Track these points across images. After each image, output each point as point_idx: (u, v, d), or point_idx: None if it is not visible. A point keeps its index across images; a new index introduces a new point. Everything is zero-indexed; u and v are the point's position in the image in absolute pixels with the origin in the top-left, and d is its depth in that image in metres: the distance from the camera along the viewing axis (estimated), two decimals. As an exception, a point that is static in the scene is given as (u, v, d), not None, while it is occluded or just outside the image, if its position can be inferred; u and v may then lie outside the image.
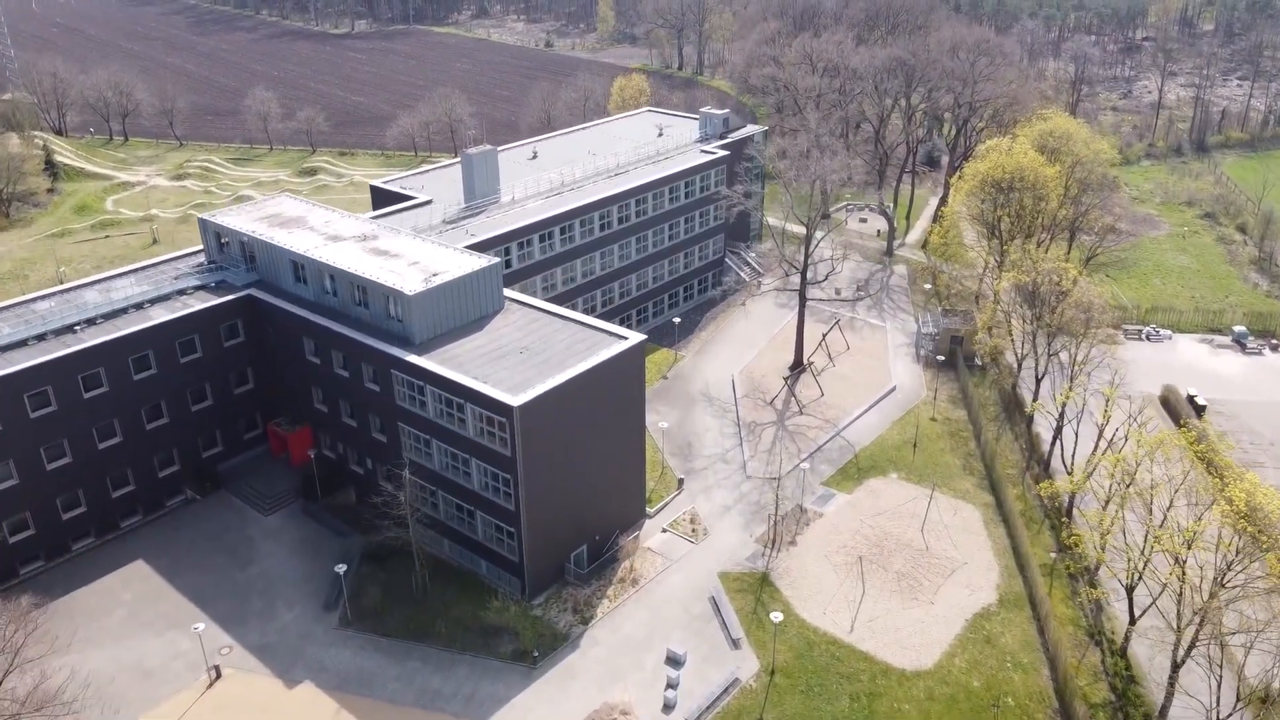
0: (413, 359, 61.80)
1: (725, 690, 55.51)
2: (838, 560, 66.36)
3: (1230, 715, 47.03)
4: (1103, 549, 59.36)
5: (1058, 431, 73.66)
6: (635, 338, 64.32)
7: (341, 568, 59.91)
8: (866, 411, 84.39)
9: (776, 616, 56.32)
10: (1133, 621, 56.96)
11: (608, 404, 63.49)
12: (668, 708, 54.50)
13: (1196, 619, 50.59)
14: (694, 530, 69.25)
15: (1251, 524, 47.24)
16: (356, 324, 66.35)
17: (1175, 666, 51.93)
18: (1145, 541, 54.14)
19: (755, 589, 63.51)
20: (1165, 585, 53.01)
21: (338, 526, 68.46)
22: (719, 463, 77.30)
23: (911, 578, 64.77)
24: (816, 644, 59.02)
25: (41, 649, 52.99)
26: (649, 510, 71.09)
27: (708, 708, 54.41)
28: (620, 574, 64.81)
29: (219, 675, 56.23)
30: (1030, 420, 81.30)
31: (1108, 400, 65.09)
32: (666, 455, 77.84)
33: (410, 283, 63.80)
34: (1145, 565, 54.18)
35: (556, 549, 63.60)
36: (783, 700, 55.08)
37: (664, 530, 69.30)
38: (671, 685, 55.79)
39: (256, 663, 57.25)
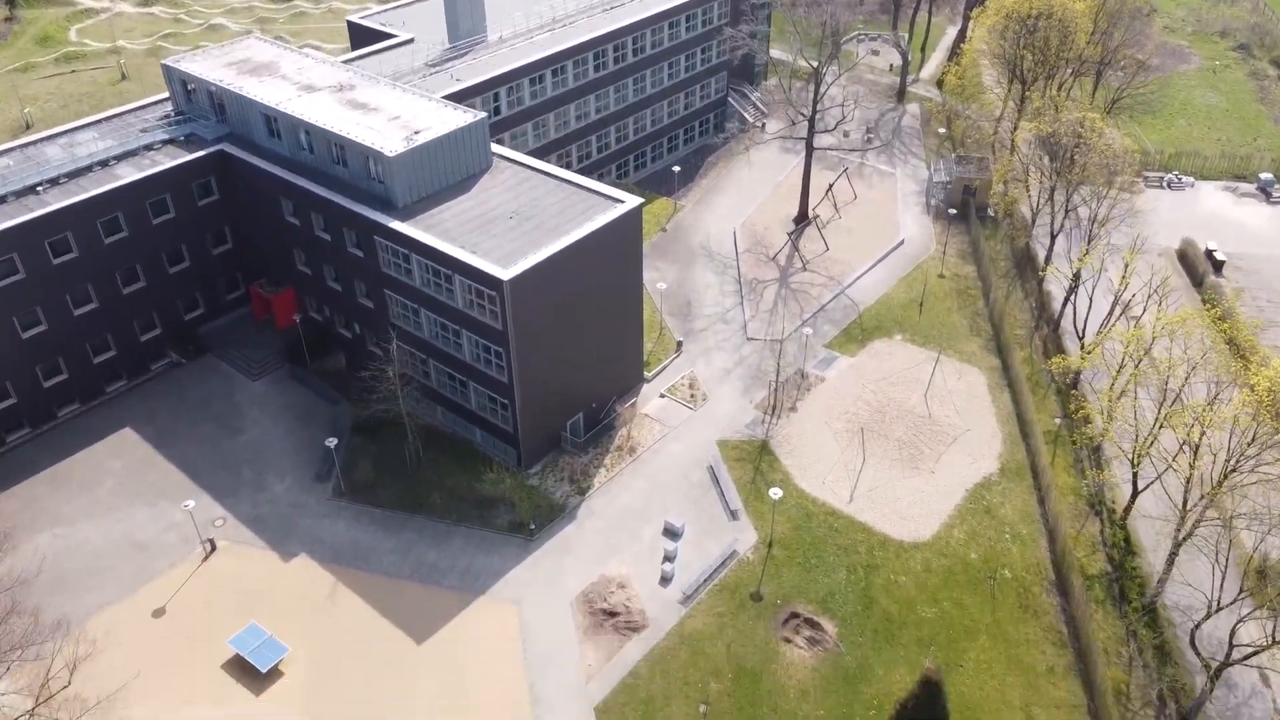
0: (397, 225, 58.41)
1: (723, 563, 55.30)
2: (838, 427, 65.14)
3: (1232, 602, 46.59)
4: (1109, 419, 57.94)
5: (1071, 292, 70.99)
6: (631, 201, 60.65)
7: (332, 441, 58.59)
8: (873, 267, 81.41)
9: (776, 493, 55.44)
10: (1134, 496, 56.17)
11: (603, 271, 60.57)
12: (665, 581, 54.39)
13: (1203, 503, 49.64)
14: (692, 396, 67.75)
15: (1273, 414, 45.34)
16: (336, 184, 62.47)
17: (1176, 545, 51.37)
18: (1155, 421, 52.54)
19: (754, 458, 62.55)
20: (1170, 465, 51.81)
21: (327, 393, 66.89)
22: (719, 323, 75.02)
23: (913, 446, 63.72)
24: (815, 515, 58.50)
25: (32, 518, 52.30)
26: (647, 375, 69.37)
27: (704, 581, 54.28)
28: (618, 442, 63.72)
29: (213, 549, 55.89)
30: (1042, 279, 78.43)
31: (1126, 267, 62.08)
32: (665, 315, 75.46)
33: (391, 142, 59.56)
34: (1152, 444, 52.80)
35: (552, 418, 62.22)
36: (780, 573, 54.94)
37: (662, 396, 67.81)
38: (669, 558, 55.55)
39: (250, 535, 56.83)
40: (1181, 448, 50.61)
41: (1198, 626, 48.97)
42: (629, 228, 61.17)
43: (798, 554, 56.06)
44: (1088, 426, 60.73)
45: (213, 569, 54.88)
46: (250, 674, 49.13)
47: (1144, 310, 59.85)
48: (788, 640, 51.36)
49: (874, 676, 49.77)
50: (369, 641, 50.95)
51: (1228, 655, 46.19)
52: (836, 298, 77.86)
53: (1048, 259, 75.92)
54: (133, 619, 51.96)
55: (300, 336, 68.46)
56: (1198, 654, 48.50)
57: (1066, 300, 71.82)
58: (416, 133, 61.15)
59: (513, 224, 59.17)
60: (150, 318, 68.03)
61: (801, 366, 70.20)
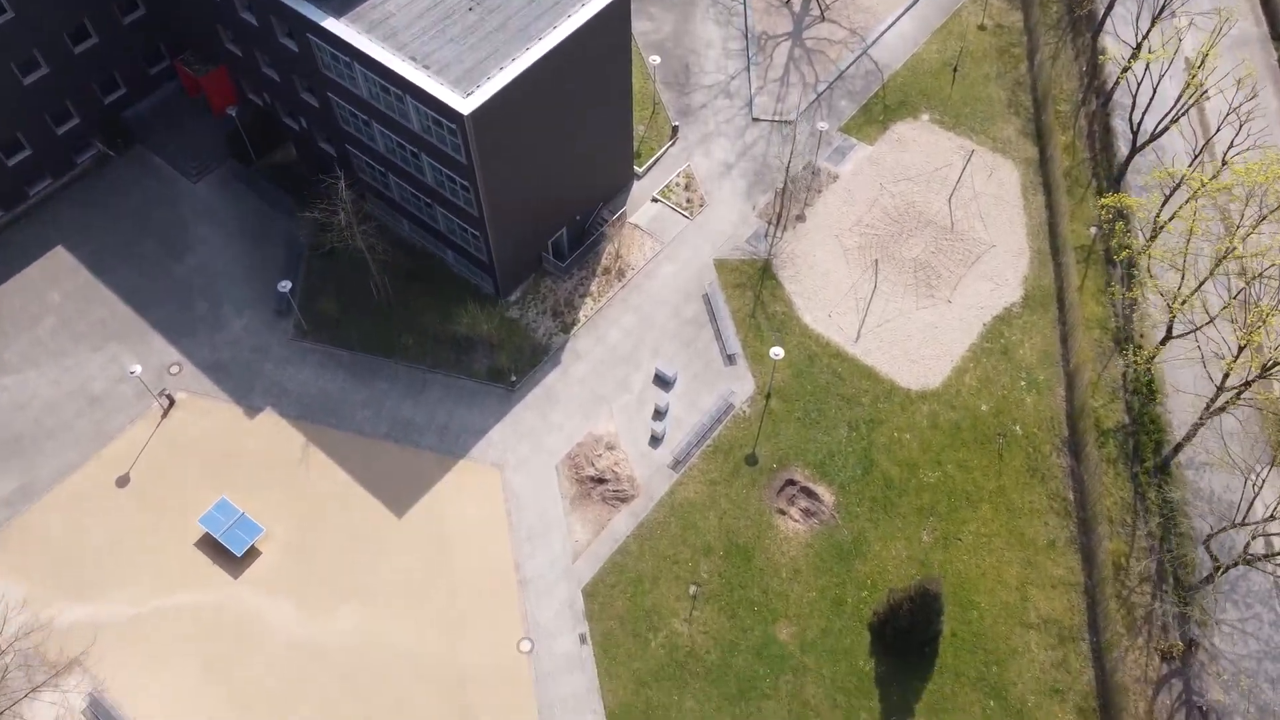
0: (331, 26, 48.08)
1: (717, 420, 51.96)
2: (850, 242, 58.74)
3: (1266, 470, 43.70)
4: (1153, 237, 51.50)
5: (1125, 71, 61.09)
6: (618, -15, 49.55)
7: (285, 285, 52.71)
8: (902, 15, 69.69)
9: (776, 353, 50.60)
10: (1166, 339, 51.18)
11: (585, 75, 51.01)
12: (655, 441, 51.39)
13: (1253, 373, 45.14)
14: (689, 200, 60.44)
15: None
16: (254, -43, 50.76)
17: (1208, 408, 47.56)
18: (1223, 252, 46.44)
19: (755, 283, 56.92)
20: (1227, 306, 46.71)
21: (279, 200, 59.45)
22: (720, 97, 65.38)
23: (930, 268, 57.80)
24: (818, 357, 54.21)
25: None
26: (638, 170, 61.47)
27: (697, 442, 51.28)
28: (605, 262, 57.68)
29: (172, 403, 52.20)
30: (1097, 31, 67.39)
31: (1204, 57, 52.11)
32: (660, 87, 65.59)
33: (312, -82, 47.37)
34: (1203, 282, 47.22)
35: (531, 241, 55.74)
36: (778, 430, 51.81)
37: (655, 200, 60.50)
38: (659, 413, 52.13)
39: (210, 385, 52.89)
40: (1232, 300, 45.35)
41: (1212, 537, 46.96)
42: (615, 18, 50.64)
43: (797, 407, 52.54)
44: (1127, 238, 54.09)
45: (174, 427, 51.59)
46: (226, 553, 47.59)
47: (1218, 128, 51.32)
48: (782, 512, 49.41)
49: (869, 552, 48.41)
50: (347, 516, 48.98)
51: (1240, 557, 44.44)
52: (858, 60, 67.31)
53: (1106, 13, 64.65)
54: (96, 489, 49.56)
55: (242, 127, 59.59)
56: (1212, 557, 46.79)
57: (1124, 72, 61.81)
58: (347, -106, 48.53)
59: (474, 19, 48.74)
60: (63, 107, 58.79)
61: (813, 159, 62.05)
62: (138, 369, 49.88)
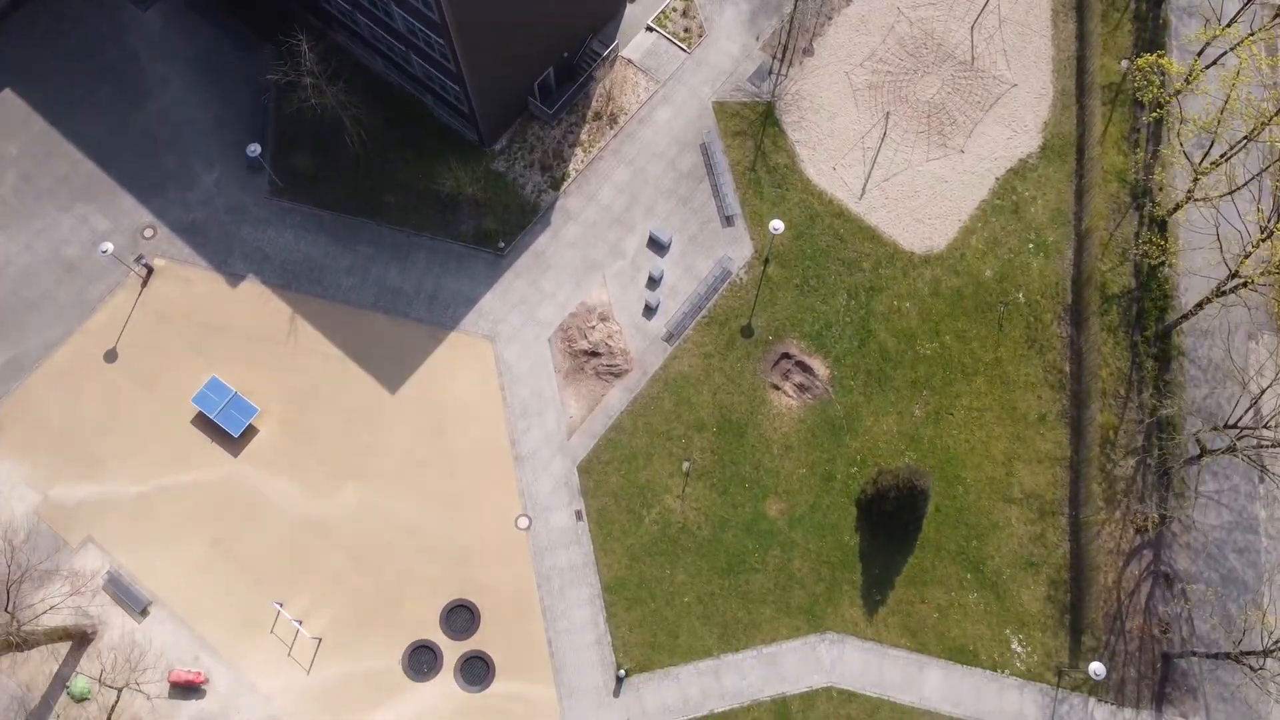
0: None
1: (713, 289, 50.62)
2: (860, 80, 54.48)
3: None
4: (1189, 83, 47.59)
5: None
6: None
7: (255, 149, 49.45)
8: None
9: (776, 227, 48.15)
10: (1198, 176, 47.37)
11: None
12: (649, 311, 50.35)
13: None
14: (687, 30, 55.36)
15: None
16: None
17: (1218, 290, 46.30)
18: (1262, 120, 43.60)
19: (757, 130, 53.43)
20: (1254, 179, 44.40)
21: (238, 33, 54.42)
22: (725, -103, 58.07)
23: (945, 111, 54.00)
24: (820, 216, 51.95)
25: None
26: (631, -8, 55.86)
27: (692, 313, 50.24)
28: (595, 106, 53.78)
29: (150, 271, 50.59)
30: None
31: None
32: (655, -118, 58.09)
33: None
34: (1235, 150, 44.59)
35: (515, 85, 51.65)
36: (775, 298, 50.64)
37: (649, 29, 55.41)
38: (654, 280, 50.70)
39: (188, 250, 51.01)
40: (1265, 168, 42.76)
41: (1200, 433, 47.09)
42: None
43: (796, 272, 51.01)
44: (1161, 93, 50.20)
45: (155, 297, 50.30)
46: (224, 431, 48.00)
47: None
48: (776, 387, 49.33)
49: (861, 427, 48.87)
50: (341, 392, 48.90)
51: (1232, 441, 44.91)
52: None
53: None
54: (85, 364, 49.12)
55: (188, -55, 53.55)
56: (1199, 445, 47.15)
57: None
58: None
59: None
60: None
61: (825, -24, 56.16)
62: (109, 247, 47.75)
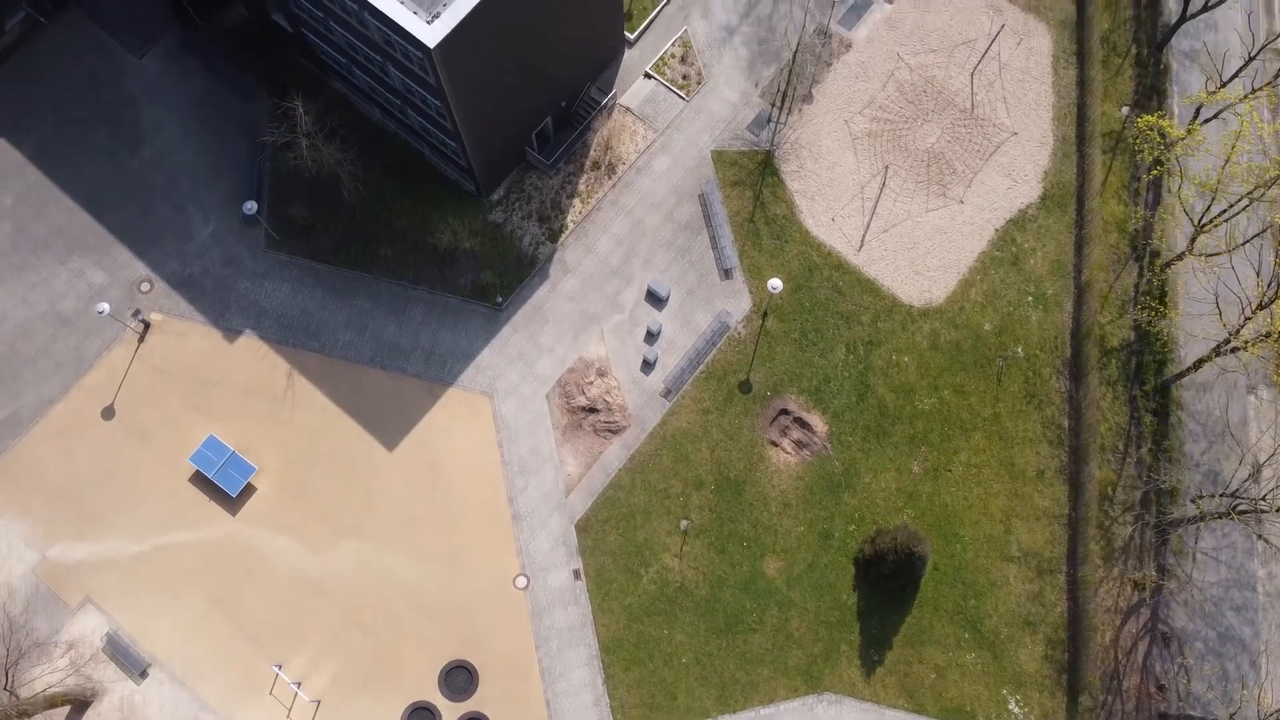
0: (272, -81, 41.46)
1: (711, 343, 50.49)
2: (860, 128, 54.17)
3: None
4: (1187, 143, 47.10)
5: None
6: None
7: (251, 207, 49.26)
8: None
9: (774, 286, 47.99)
10: (1198, 233, 47.15)
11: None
12: (647, 366, 50.25)
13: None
14: (685, 77, 54.99)
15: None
16: None
17: (1218, 350, 46.13)
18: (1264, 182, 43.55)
19: (755, 179, 53.18)
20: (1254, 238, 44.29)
21: (235, 79, 54.06)
22: (724, -62, 57.60)
23: (944, 160, 53.74)
24: (819, 269, 51.77)
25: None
26: (629, 36, 55.45)
27: (690, 366, 50.12)
28: (593, 155, 53.49)
29: (147, 326, 50.43)
30: None
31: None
32: (654, -78, 57.63)
33: None
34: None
35: (513, 136, 51.34)
36: (773, 352, 50.52)
37: (648, 75, 55.03)
38: (651, 335, 50.59)
39: (184, 305, 50.82)
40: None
41: (1199, 498, 47.17)
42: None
43: (794, 327, 50.88)
44: (1161, 138, 49.80)
45: (152, 352, 50.14)
46: (222, 490, 47.94)
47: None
48: (774, 443, 49.29)
49: (859, 484, 48.86)
50: (338, 449, 48.86)
51: (1226, 506, 44.95)
52: (882, -112, 58.61)
53: None
54: (82, 421, 49.02)
55: (184, -9, 53.12)
56: (1198, 509, 47.16)
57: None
58: None
59: (437, -91, 41.90)
60: (-22, -32, 52.02)
61: (824, 21, 55.77)
62: (105, 308, 47.52)
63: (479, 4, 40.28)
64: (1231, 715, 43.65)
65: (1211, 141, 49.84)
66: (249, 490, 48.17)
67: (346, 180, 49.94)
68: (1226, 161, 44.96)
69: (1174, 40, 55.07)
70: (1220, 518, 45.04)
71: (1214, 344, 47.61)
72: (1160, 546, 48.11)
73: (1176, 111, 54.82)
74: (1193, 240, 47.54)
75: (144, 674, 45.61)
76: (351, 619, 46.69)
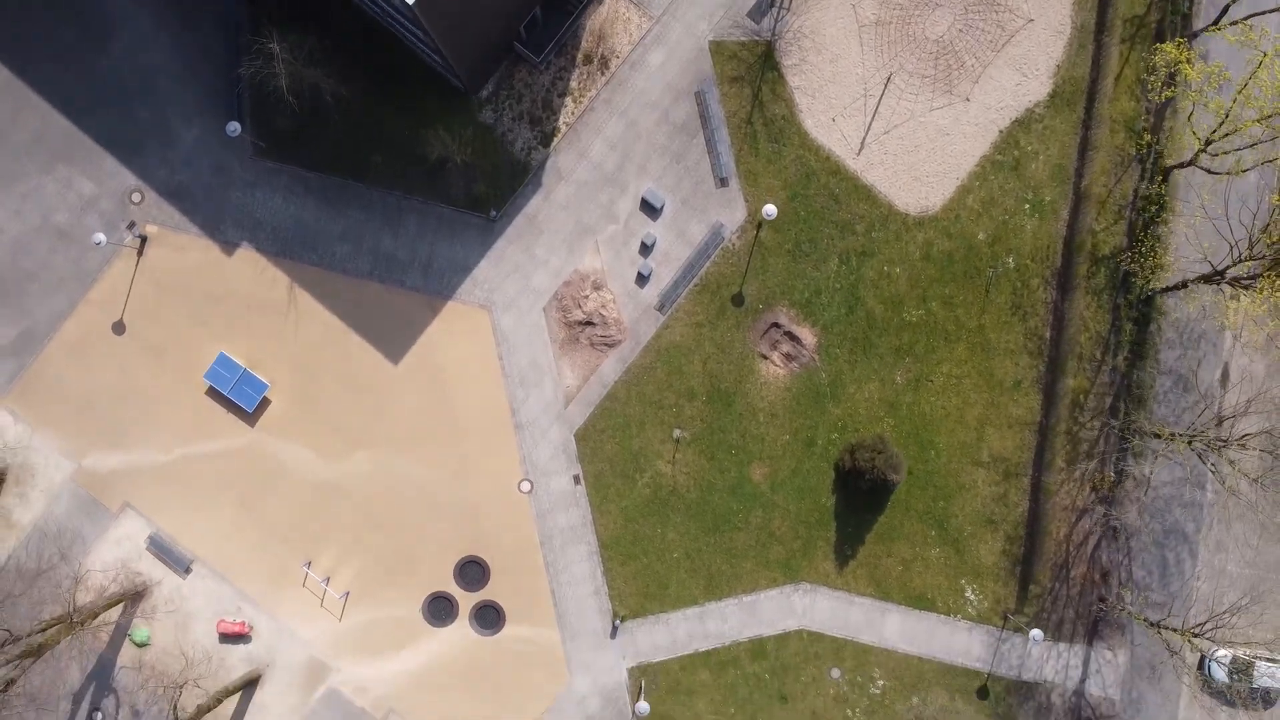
0: None
1: (705, 255, 50.96)
2: (867, 14, 51.24)
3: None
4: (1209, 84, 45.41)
5: None
6: None
7: (234, 128, 47.94)
8: None
9: (769, 212, 47.57)
10: (1202, 150, 46.38)
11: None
12: (642, 280, 51.08)
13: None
14: (683, -46, 51.14)
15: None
16: None
17: (1208, 277, 46.85)
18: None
19: (754, 75, 51.14)
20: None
21: (200, -39, 50.43)
22: None
23: (953, 52, 51.30)
24: (816, 175, 51.14)
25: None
26: (623, -97, 51.00)
27: (684, 279, 50.96)
28: (585, 48, 51.05)
29: (144, 240, 50.71)
30: None
31: None
32: None
33: None
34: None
35: (498, 29, 48.79)
36: (767, 264, 51.16)
37: (643, -48, 51.21)
38: (646, 247, 50.99)
39: (178, 216, 50.75)
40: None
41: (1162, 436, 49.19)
42: None
43: (789, 237, 51.11)
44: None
45: (153, 266, 50.76)
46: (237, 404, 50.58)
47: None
48: (764, 356, 51.17)
49: (843, 394, 51.34)
50: (345, 363, 50.84)
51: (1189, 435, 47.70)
52: None
53: None
54: (95, 336, 50.66)
55: None
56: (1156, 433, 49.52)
57: None
58: None
59: None
60: None
61: (837, -117, 51.01)
62: (102, 238, 47.74)
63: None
64: (1159, 622, 48.85)
65: (1232, 65, 47.26)
66: (264, 403, 50.71)
67: (330, 97, 48.10)
68: (1244, 86, 43.35)
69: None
70: (1178, 441, 47.90)
71: (1205, 268, 48.13)
72: (1122, 450, 51.33)
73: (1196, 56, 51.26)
74: (1198, 153, 46.80)
75: (188, 570, 50.53)
76: (370, 520, 50.95)
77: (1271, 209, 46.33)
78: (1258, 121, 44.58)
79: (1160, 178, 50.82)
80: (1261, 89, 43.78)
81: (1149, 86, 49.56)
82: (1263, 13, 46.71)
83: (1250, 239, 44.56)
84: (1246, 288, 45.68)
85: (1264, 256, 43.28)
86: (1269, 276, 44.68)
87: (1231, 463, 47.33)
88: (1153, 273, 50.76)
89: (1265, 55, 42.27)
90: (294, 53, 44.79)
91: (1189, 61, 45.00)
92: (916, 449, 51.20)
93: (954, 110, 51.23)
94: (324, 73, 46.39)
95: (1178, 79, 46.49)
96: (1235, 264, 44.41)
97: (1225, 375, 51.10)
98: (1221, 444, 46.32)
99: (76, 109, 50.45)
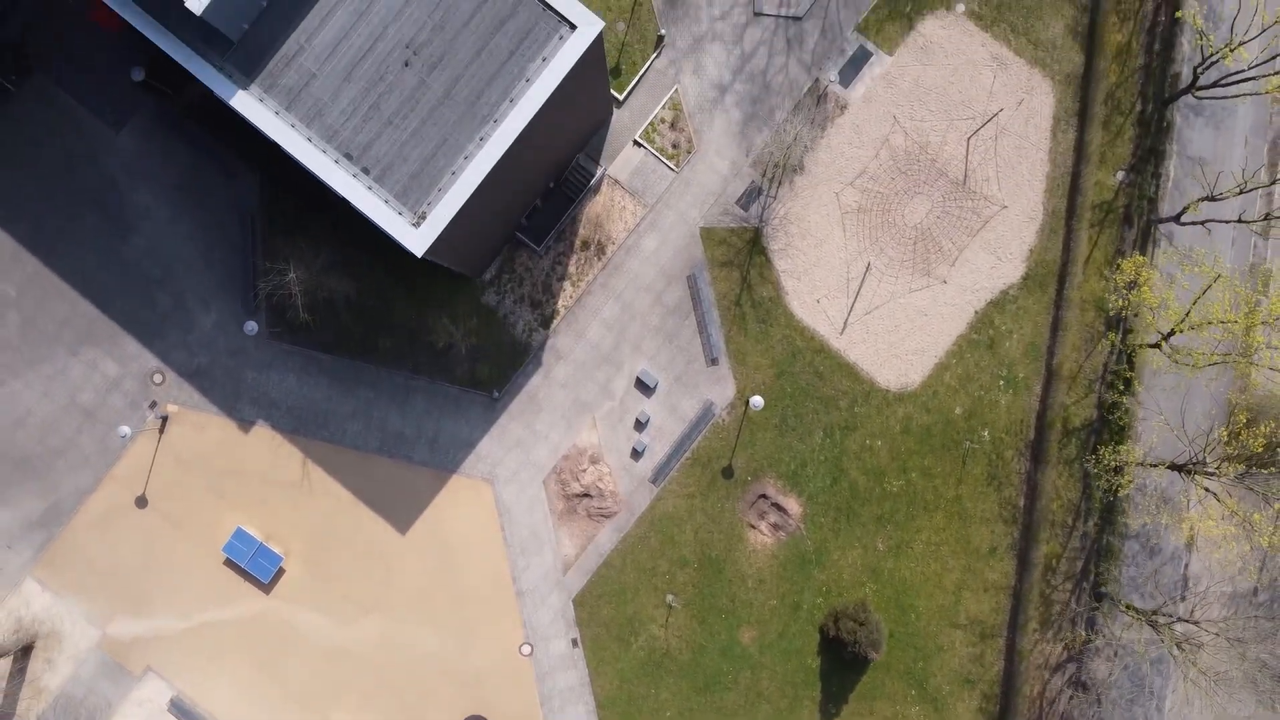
0: (241, 103, 40.47)
1: (697, 428, 53.79)
2: (849, 201, 54.12)
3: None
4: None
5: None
6: (589, 24, 40.39)
7: (251, 327, 50.67)
8: None
9: (756, 403, 50.61)
10: (1164, 339, 49.59)
11: (552, 119, 43.61)
12: (636, 455, 53.89)
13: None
14: (675, 145, 54.03)
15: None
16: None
17: (1176, 467, 49.84)
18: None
19: (743, 259, 54.02)
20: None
21: (219, 154, 53.22)
22: (718, -25, 54.18)
23: (931, 238, 54.19)
24: (801, 353, 54.00)
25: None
26: (618, 96, 53.91)
27: (677, 452, 53.78)
28: (583, 234, 53.94)
29: (166, 419, 53.56)
30: None
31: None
32: (643, -44, 54.03)
33: None
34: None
35: (501, 231, 51.82)
36: (755, 438, 54.01)
37: (637, 144, 54.05)
38: (640, 424, 53.81)
39: (197, 396, 53.59)
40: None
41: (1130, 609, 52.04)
42: (589, 61, 41.92)
43: (775, 412, 53.95)
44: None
45: (174, 443, 53.58)
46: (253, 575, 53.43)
47: None
48: (752, 526, 54.01)
49: (828, 560, 54.19)
50: (355, 533, 53.63)
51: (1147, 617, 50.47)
52: (891, -91, 54.14)
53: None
54: (119, 510, 53.42)
55: (153, 63, 51.22)
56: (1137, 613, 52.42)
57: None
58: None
59: (412, 81, 40.83)
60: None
61: (822, 75, 53.92)
62: (127, 431, 50.58)
63: (465, 202, 40.32)
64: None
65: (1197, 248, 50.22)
66: (279, 572, 53.55)
67: (343, 297, 51.02)
68: (1195, 302, 46.25)
69: (1178, 109, 53.49)
70: (1142, 619, 50.76)
71: (1170, 455, 50.97)
72: (1092, 610, 54.15)
73: (1172, 174, 54.41)
74: (1163, 339, 49.72)
75: (208, 731, 53.39)
76: (380, 682, 53.75)
77: (1229, 408, 49.17)
78: (1222, 323, 47.43)
79: (1128, 356, 53.66)
80: (1216, 299, 46.70)
81: (1110, 302, 52.37)
82: (1224, 220, 49.52)
83: (1207, 438, 47.35)
84: (1209, 476, 48.48)
85: (1221, 458, 46.01)
86: (1225, 467, 47.56)
87: (1189, 650, 49.96)
88: (1121, 443, 53.54)
89: (1215, 278, 45.08)
90: (308, 268, 47.58)
91: (1146, 283, 47.80)
92: (897, 612, 54.02)
93: (932, 292, 54.08)
94: (337, 281, 49.16)
95: (1136, 292, 49.28)
96: (1192, 465, 47.15)
97: (1189, 552, 53.85)
98: (1180, 636, 49.05)
99: (101, 295, 53.29)
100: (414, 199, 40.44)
